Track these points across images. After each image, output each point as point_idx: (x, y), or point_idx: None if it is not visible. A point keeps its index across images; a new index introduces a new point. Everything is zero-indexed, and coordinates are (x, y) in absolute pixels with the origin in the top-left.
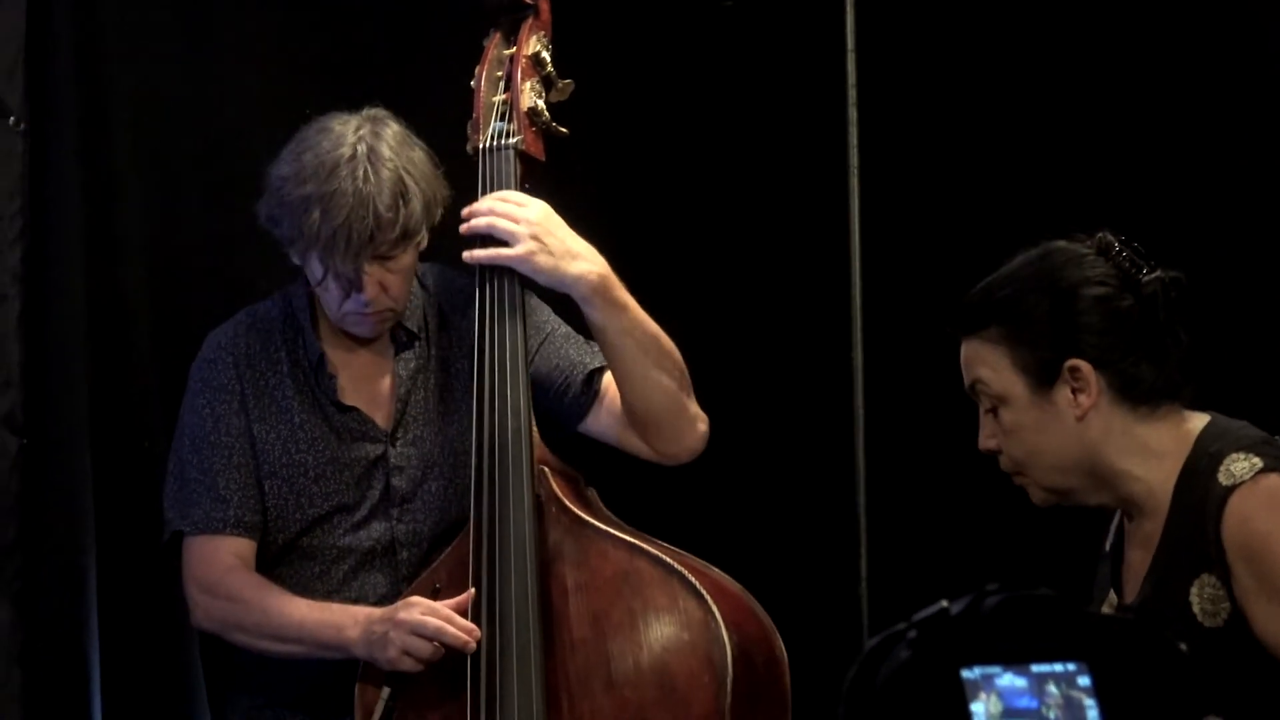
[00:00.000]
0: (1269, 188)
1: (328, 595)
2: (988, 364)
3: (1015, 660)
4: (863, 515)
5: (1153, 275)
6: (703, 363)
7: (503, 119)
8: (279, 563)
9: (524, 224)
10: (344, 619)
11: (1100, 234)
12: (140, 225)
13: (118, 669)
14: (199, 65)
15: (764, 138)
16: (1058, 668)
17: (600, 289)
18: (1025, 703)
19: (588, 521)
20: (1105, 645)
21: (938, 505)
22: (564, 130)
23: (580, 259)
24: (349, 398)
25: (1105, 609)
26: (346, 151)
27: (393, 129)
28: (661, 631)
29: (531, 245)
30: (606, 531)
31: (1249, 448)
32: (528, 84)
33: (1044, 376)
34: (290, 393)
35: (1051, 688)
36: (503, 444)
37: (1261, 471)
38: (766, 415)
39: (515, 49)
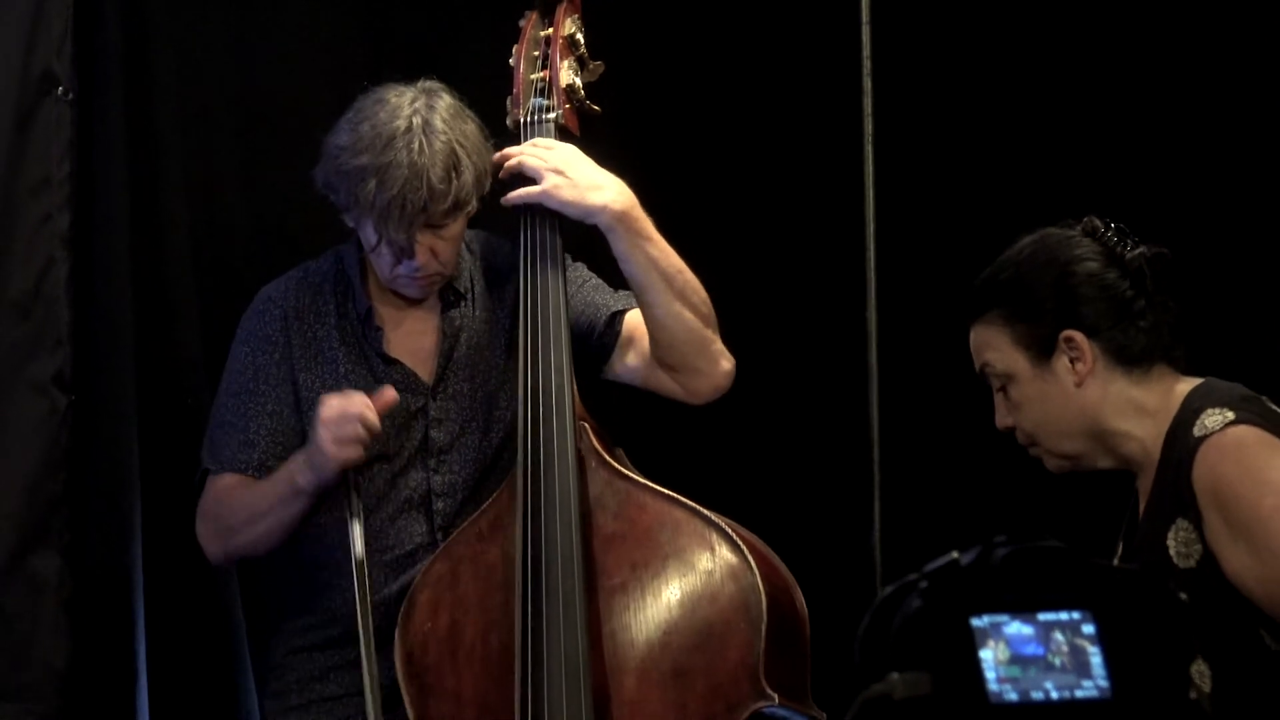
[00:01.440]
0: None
1: (367, 543)
2: (992, 345)
3: (1022, 609)
4: (876, 468)
5: (1136, 251)
6: (721, 320)
7: (541, 95)
8: (319, 510)
9: (548, 161)
10: (290, 464)
11: (1087, 218)
12: (184, 191)
13: (162, 617)
14: (241, 36)
15: (779, 111)
16: (1063, 616)
17: (622, 218)
18: (1032, 650)
19: (625, 474)
20: (1109, 595)
21: (950, 458)
22: (597, 108)
23: (603, 190)
24: (394, 351)
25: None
26: (402, 124)
27: (446, 101)
28: (699, 580)
29: (556, 179)
30: (644, 484)
31: (1226, 403)
32: (565, 63)
33: (1043, 349)
34: (336, 344)
35: (1057, 635)
36: (546, 399)
37: (1231, 423)
38: (783, 372)
39: (552, 29)
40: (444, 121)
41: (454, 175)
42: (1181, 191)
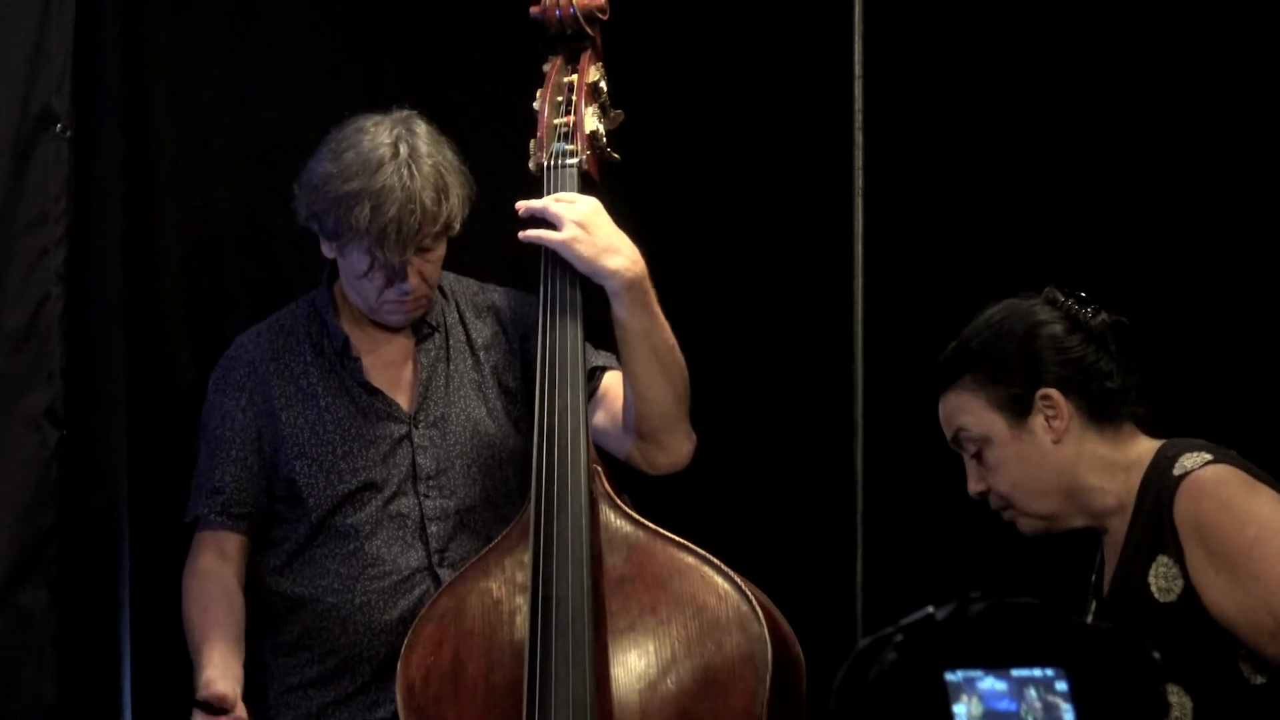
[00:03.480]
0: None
1: (364, 569)
2: (967, 410)
3: (996, 664)
4: (860, 521)
5: (1099, 318)
6: (706, 368)
7: (564, 140)
8: (314, 542)
9: (572, 213)
10: (203, 654)
11: (1047, 289)
12: (177, 229)
13: (148, 653)
14: (237, 77)
15: (772, 160)
16: (1037, 673)
17: (631, 286)
18: (1005, 705)
19: (636, 519)
20: (1082, 652)
21: (933, 511)
22: (617, 156)
23: (619, 255)
24: (374, 380)
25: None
26: (388, 151)
27: (424, 128)
28: (707, 627)
29: (576, 232)
30: (654, 530)
31: (1202, 449)
32: (590, 109)
33: (1019, 409)
34: (316, 378)
35: (1030, 692)
36: (562, 442)
37: (1210, 463)
38: (769, 423)
39: (577, 76)
40: (427, 146)
41: (444, 197)
42: (1149, 249)
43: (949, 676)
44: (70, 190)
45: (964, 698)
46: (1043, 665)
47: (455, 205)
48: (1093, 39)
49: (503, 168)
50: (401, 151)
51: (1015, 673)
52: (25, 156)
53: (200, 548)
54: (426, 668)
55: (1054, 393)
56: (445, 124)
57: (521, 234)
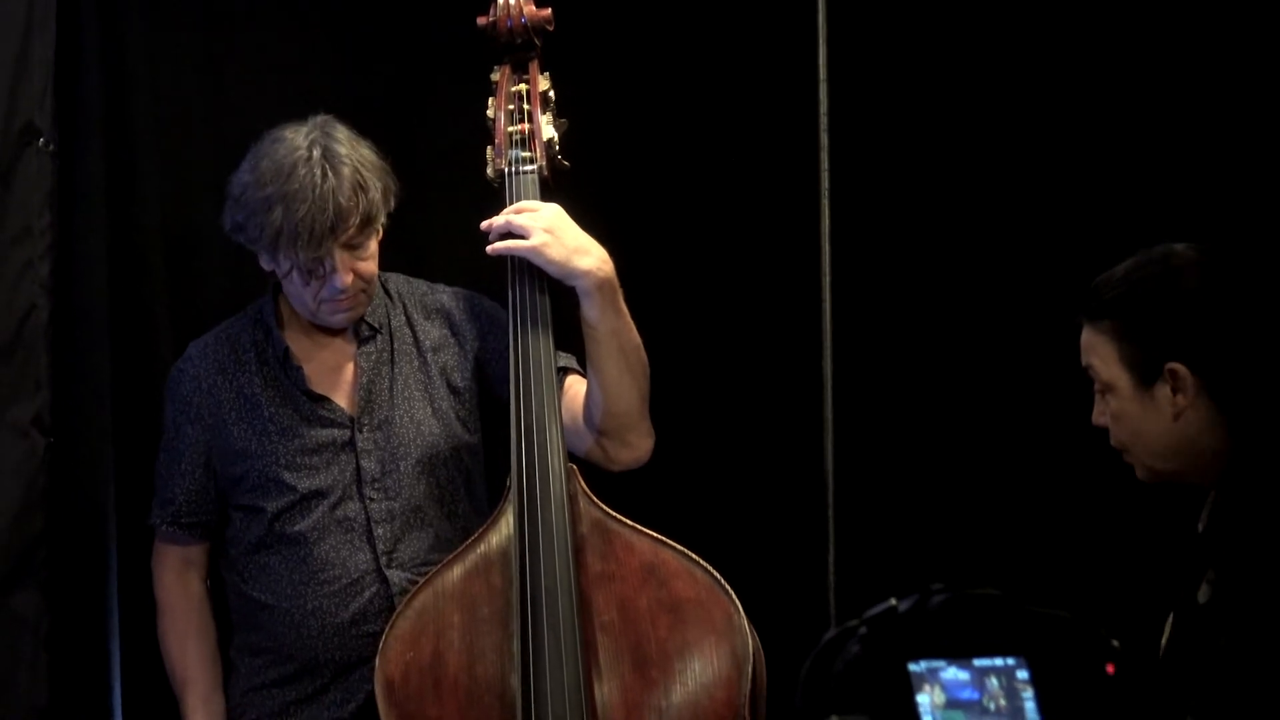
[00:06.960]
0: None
1: (314, 575)
2: (1098, 353)
3: (958, 654)
4: (831, 516)
5: (1250, 284)
6: (680, 368)
7: (521, 147)
8: (264, 548)
9: (539, 220)
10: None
11: (1205, 246)
12: (161, 239)
13: (137, 654)
14: (218, 90)
15: (740, 163)
16: (998, 662)
17: (603, 286)
18: (967, 694)
19: (613, 515)
20: (1043, 641)
21: (905, 503)
22: (567, 164)
23: (589, 255)
24: (317, 386)
25: (1206, 584)
26: (302, 155)
27: (342, 131)
28: (688, 621)
29: (545, 238)
30: (632, 526)
31: None
32: (544, 117)
33: (1146, 374)
34: (259, 388)
35: (992, 680)
36: (541, 443)
37: None
38: (741, 421)
39: (529, 85)
40: (343, 148)
41: (360, 193)
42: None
43: (912, 667)
44: (54, 204)
45: (927, 687)
46: (1004, 654)
47: (375, 199)
48: (1056, 41)
49: (474, 177)
50: (315, 154)
51: (977, 662)
52: (9, 172)
53: (163, 555)
54: (405, 664)
55: (1181, 369)
56: (421, 137)
57: (490, 247)
